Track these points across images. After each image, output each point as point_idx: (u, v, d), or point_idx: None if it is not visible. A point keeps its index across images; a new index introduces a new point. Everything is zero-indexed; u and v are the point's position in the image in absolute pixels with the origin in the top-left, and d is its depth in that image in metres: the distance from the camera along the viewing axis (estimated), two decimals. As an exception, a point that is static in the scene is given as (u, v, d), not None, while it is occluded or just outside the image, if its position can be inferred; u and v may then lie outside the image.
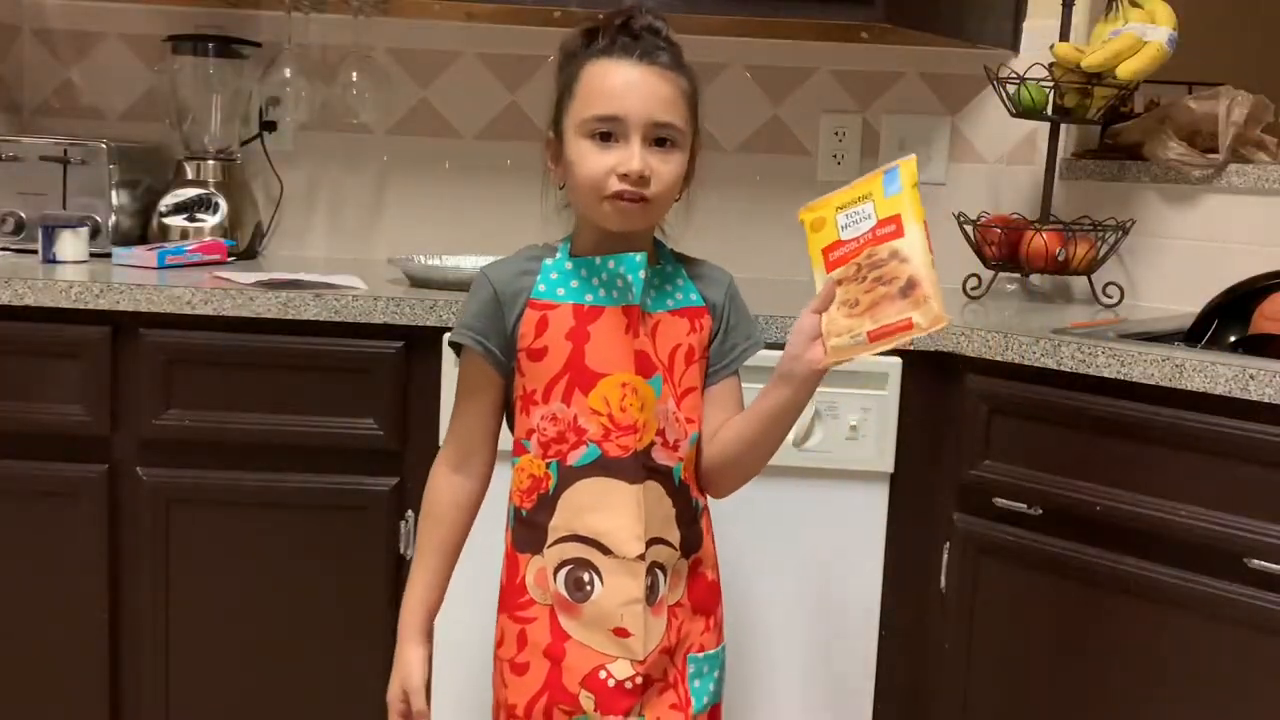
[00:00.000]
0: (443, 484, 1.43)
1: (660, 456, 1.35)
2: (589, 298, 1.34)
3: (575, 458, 1.34)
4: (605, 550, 1.33)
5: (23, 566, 1.88)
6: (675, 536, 1.37)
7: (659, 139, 1.29)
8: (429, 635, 1.44)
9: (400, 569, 1.88)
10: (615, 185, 1.28)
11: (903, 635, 1.88)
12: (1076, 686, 1.69)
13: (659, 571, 1.35)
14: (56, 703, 1.91)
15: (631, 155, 1.27)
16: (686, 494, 1.38)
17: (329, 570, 1.88)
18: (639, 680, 1.33)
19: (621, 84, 1.29)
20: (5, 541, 1.88)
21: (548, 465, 1.35)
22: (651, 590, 1.34)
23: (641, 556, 1.33)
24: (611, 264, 1.33)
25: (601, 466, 1.33)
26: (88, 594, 1.88)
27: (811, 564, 1.86)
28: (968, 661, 1.81)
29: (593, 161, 1.29)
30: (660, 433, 1.34)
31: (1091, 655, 1.68)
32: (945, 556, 1.83)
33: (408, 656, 1.42)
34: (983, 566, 1.79)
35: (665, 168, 1.30)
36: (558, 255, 1.37)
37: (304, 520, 1.87)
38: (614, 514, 1.33)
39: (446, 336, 1.44)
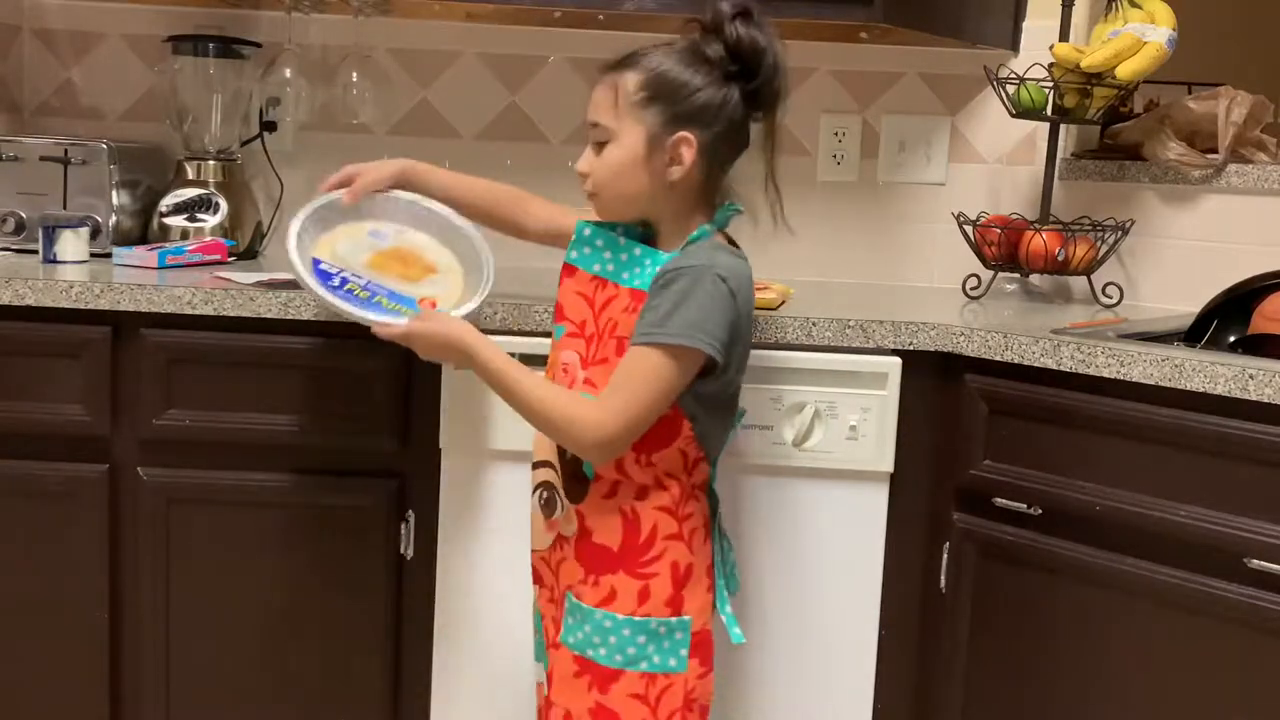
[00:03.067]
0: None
1: None
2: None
3: None
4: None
5: (23, 566, 1.88)
6: (560, 468, 1.54)
7: (596, 142, 1.49)
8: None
9: (400, 569, 1.88)
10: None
11: (903, 635, 1.88)
12: (1076, 686, 1.70)
13: (556, 495, 1.55)
14: (57, 702, 1.91)
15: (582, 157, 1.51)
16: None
17: (329, 570, 1.88)
18: (531, 564, 1.62)
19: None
20: (5, 541, 1.88)
21: None
22: (547, 505, 1.56)
23: (534, 466, 1.59)
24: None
25: None
26: (88, 593, 1.88)
27: (811, 564, 1.86)
28: (967, 661, 1.81)
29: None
30: (550, 374, 1.55)
31: (1091, 655, 1.68)
32: (945, 556, 1.83)
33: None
34: (982, 566, 1.79)
35: (595, 165, 1.49)
36: None
37: (304, 520, 1.87)
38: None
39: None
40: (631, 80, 1.45)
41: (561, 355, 1.54)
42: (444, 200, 1.74)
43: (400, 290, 1.63)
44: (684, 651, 1.50)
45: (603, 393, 1.45)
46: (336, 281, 1.60)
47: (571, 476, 1.53)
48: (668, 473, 1.49)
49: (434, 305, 1.59)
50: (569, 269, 1.56)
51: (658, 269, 1.45)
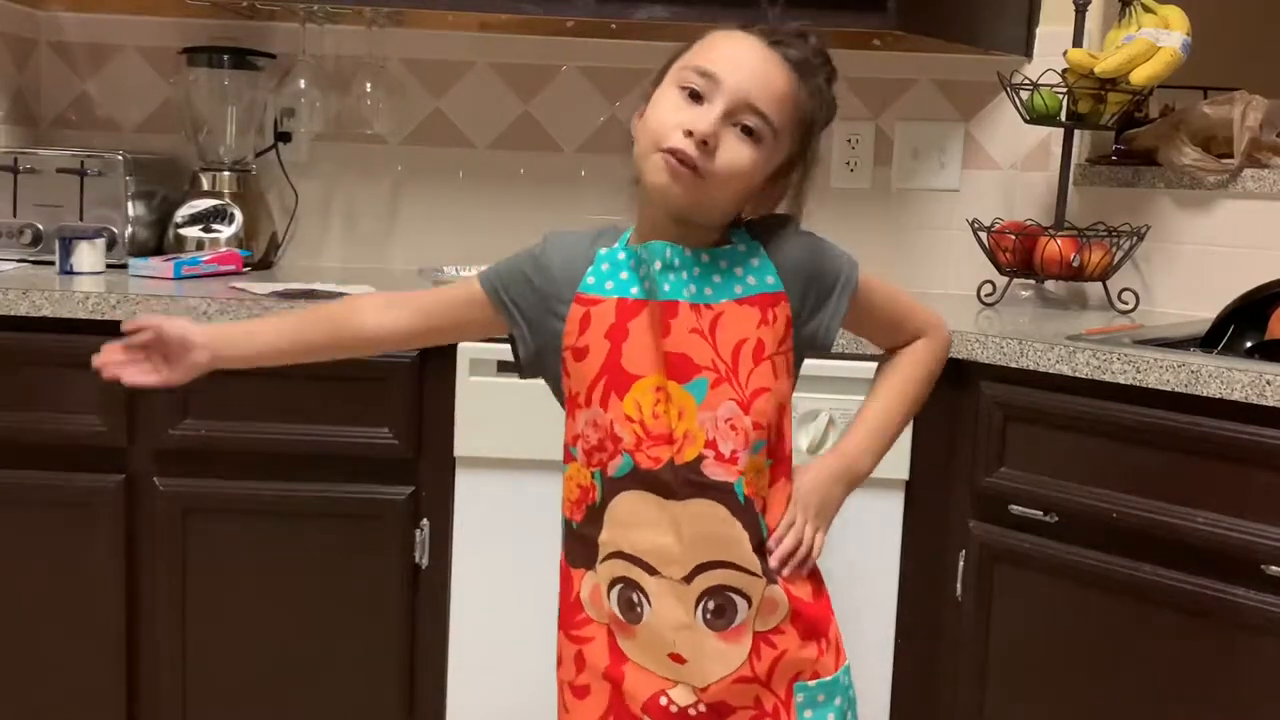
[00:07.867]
0: (365, 304, 1.34)
1: (715, 472, 1.19)
2: (634, 290, 1.22)
3: (614, 468, 1.22)
4: (651, 570, 1.21)
5: (40, 576, 1.89)
6: (753, 563, 1.21)
7: (746, 126, 1.17)
8: (210, 338, 1.34)
9: (416, 577, 1.89)
10: (674, 140, 1.15)
11: (919, 643, 1.87)
12: (1094, 694, 1.69)
13: (733, 595, 1.22)
14: (74, 711, 1.91)
15: (706, 116, 1.15)
16: (753, 511, 1.22)
17: (344, 579, 1.88)
18: (703, 708, 1.23)
19: (733, 51, 1.19)
20: (23, 551, 1.88)
21: (593, 475, 1.23)
22: (719, 615, 1.22)
23: (687, 579, 1.21)
24: (644, 253, 1.20)
25: (636, 479, 1.21)
26: (104, 603, 1.89)
27: (827, 572, 1.85)
28: (984, 669, 1.80)
29: (667, 110, 1.18)
30: (711, 444, 1.19)
31: (1108, 662, 1.67)
32: (961, 564, 1.82)
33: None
34: (999, 574, 1.78)
35: (735, 150, 1.17)
36: (615, 244, 1.25)
37: (319, 529, 1.87)
38: (653, 532, 1.21)
39: (478, 273, 1.31)
40: (806, 97, 1.21)
41: (719, 412, 1.19)
42: (251, 354, 1.39)
43: None
44: None
45: (913, 313, 1.37)
46: None
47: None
48: None
49: None
50: (669, 308, 1.19)
51: (798, 242, 1.26)
